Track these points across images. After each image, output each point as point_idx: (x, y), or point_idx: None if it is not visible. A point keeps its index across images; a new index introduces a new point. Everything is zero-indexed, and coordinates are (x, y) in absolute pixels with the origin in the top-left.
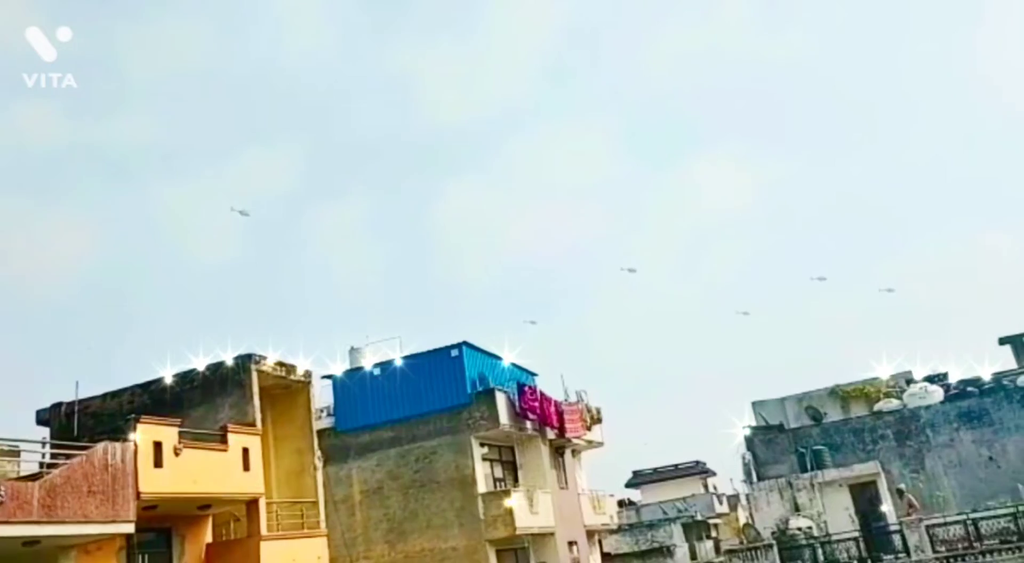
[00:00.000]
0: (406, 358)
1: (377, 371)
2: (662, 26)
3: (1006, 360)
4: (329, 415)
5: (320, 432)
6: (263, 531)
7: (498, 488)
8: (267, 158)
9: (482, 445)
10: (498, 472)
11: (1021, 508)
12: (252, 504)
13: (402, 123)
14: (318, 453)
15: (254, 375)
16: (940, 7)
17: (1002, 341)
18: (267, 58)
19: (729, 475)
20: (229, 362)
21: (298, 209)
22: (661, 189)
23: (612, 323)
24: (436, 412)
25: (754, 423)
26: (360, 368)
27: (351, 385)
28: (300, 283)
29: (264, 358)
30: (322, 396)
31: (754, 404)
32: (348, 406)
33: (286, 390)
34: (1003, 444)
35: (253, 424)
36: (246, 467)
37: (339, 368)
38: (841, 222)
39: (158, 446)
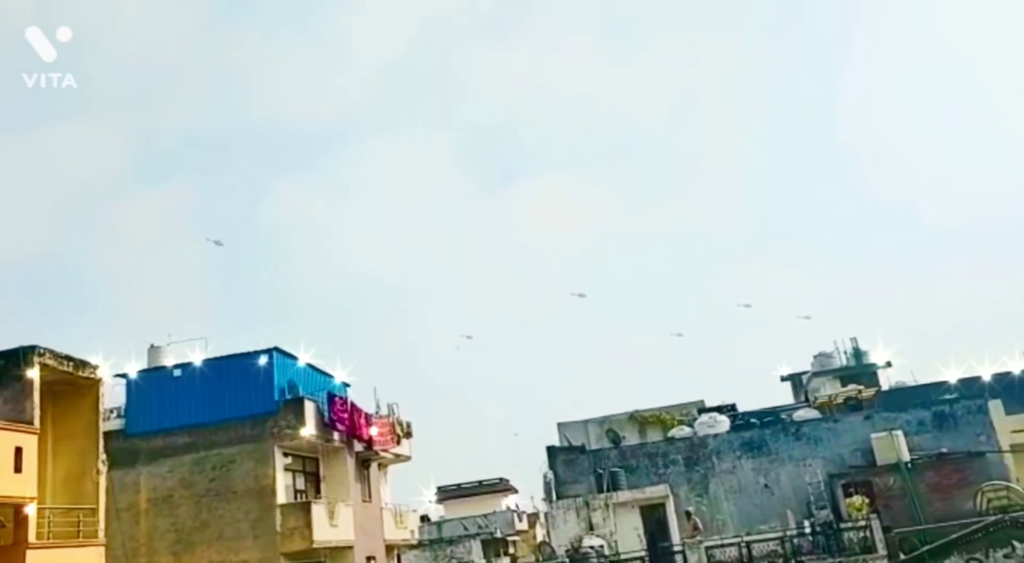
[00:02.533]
0: (210, 360)
1: (178, 372)
2: (505, 54)
3: (785, 396)
4: (120, 416)
5: (108, 434)
6: (31, 539)
7: (299, 500)
8: (78, 135)
9: (285, 455)
10: (300, 483)
11: (788, 532)
12: (21, 509)
13: (234, 114)
14: (103, 456)
15: (35, 369)
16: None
17: (783, 379)
18: (88, 28)
19: (532, 493)
20: (6, 353)
21: (111, 194)
22: (489, 211)
23: (430, 340)
24: (239, 419)
25: (559, 443)
26: (159, 368)
27: (147, 386)
28: (107, 274)
29: (48, 351)
30: (113, 395)
31: (559, 425)
32: (142, 408)
33: (71, 386)
34: (777, 473)
35: (30, 422)
36: (17, 468)
37: (136, 367)
38: (653, 259)
39: None
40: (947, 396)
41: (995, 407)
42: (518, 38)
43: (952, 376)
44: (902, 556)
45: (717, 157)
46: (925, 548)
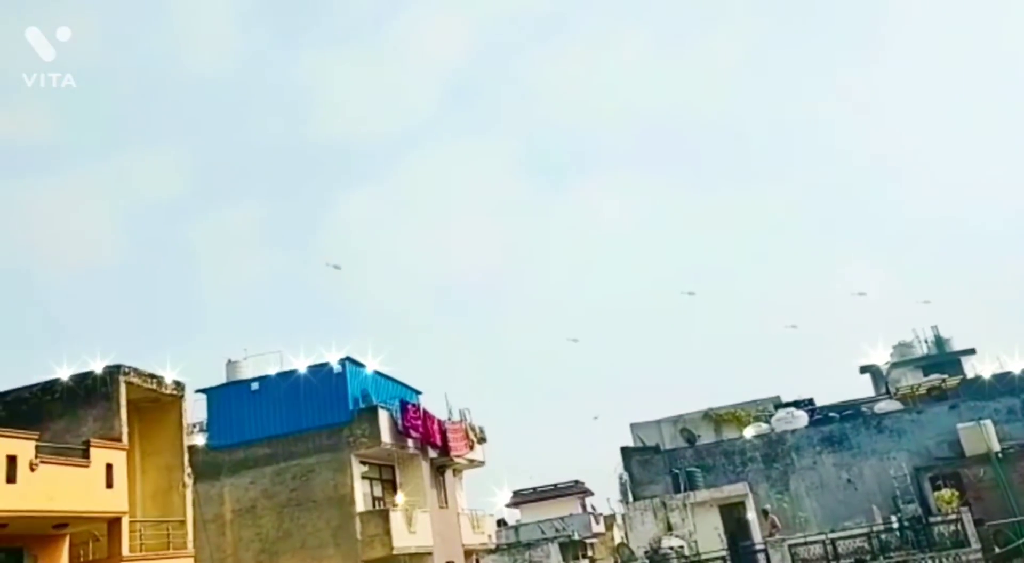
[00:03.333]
0: (286, 373)
1: (255, 385)
2: (563, 57)
3: (865, 387)
4: (202, 430)
5: (192, 448)
6: (124, 552)
7: (377, 507)
8: (152, 160)
9: (362, 463)
10: (377, 491)
11: (875, 528)
12: (114, 523)
13: (298, 131)
14: (188, 470)
15: (122, 387)
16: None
17: (862, 370)
18: (159, 57)
19: (607, 495)
20: (95, 373)
21: (185, 215)
22: (558, 210)
23: (503, 342)
24: (316, 429)
25: (632, 444)
26: (237, 382)
27: (227, 400)
28: (182, 292)
29: (133, 369)
30: (195, 410)
31: (632, 426)
32: (223, 421)
33: (156, 403)
34: (860, 467)
35: (119, 439)
36: (109, 484)
37: (215, 382)
38: (723, 250)
39: (12, 460)
40: None
41: None
42: (577, 37)
43: None
44: (997, 550)
45: (788, 147)
46: (1021, 541)
